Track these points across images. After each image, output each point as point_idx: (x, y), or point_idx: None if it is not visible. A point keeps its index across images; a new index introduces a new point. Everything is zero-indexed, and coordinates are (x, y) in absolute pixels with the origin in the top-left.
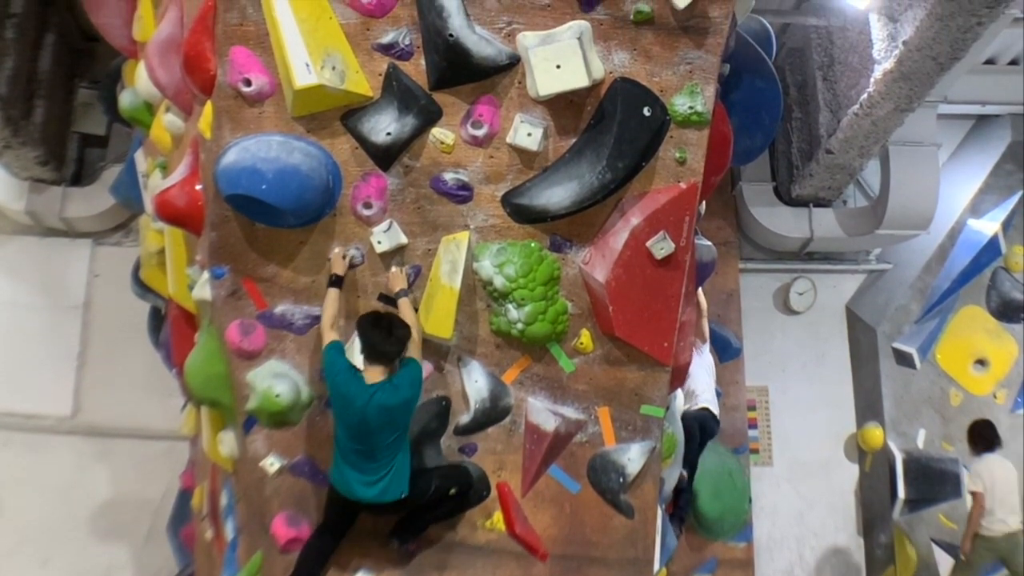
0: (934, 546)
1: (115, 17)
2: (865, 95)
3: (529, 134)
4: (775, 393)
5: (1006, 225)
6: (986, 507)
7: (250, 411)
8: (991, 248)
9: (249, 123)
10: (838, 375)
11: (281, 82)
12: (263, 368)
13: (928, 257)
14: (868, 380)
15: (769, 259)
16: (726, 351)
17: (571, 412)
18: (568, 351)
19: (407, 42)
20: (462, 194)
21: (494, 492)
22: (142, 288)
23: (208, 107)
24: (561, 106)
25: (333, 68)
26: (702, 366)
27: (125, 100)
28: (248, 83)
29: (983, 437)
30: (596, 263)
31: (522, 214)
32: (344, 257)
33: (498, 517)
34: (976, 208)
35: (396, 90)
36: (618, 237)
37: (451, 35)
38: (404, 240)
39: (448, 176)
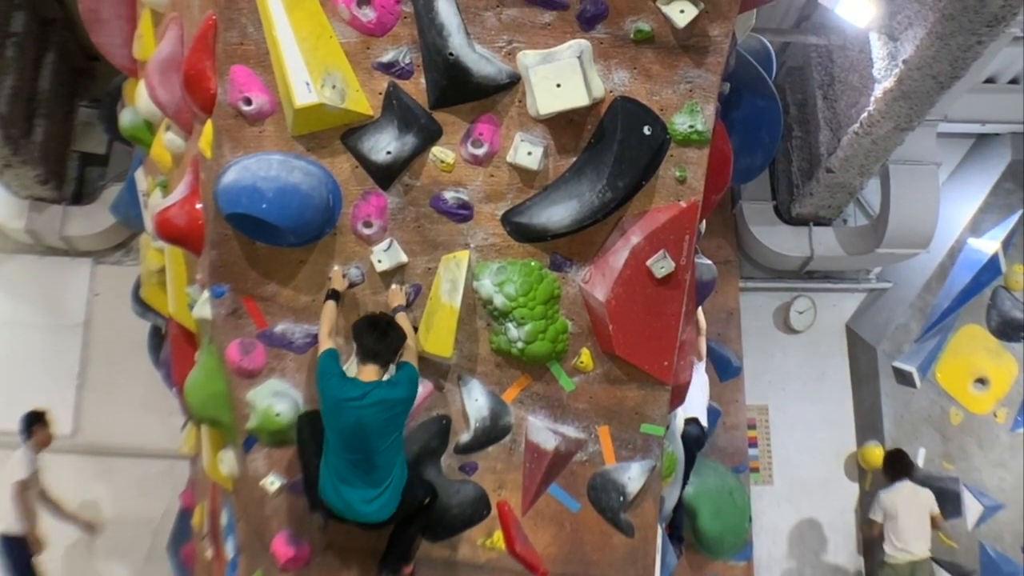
0: (934, 565)
1: (115, 36)
2: (865, 114)
3: (529, 153)
4: (775, 412)
5: (1006, 244)
6: (889, 535)
7: (250, 430)
8: (991, 267)
9: (249, 142)
10: (838, 394)
11: (281, 101)
12: (263, 387)
13: (928, 276)
14: (868, 399)
15: (769, 278)
16: (726, 370)
17: (571, 431)
18: (568, 370)
19: (407, 61)
20: (462, 213)
21: (494, 511)
22: (142, 307)
23: (208, 126)
24: (561, 125)
25: (333, 87)
26: (697, 384)
27: (125, 119)
28: (248, 102)
29: (895, 466)
30: (596, 282)
31: (522, 233)
32: (344, 276)
33: (498, 536)
34: (976, 227)
35: (396, 109)
36: (618, 256)
37: (451, 54)
38: (404, 259)
39: (448, 195)
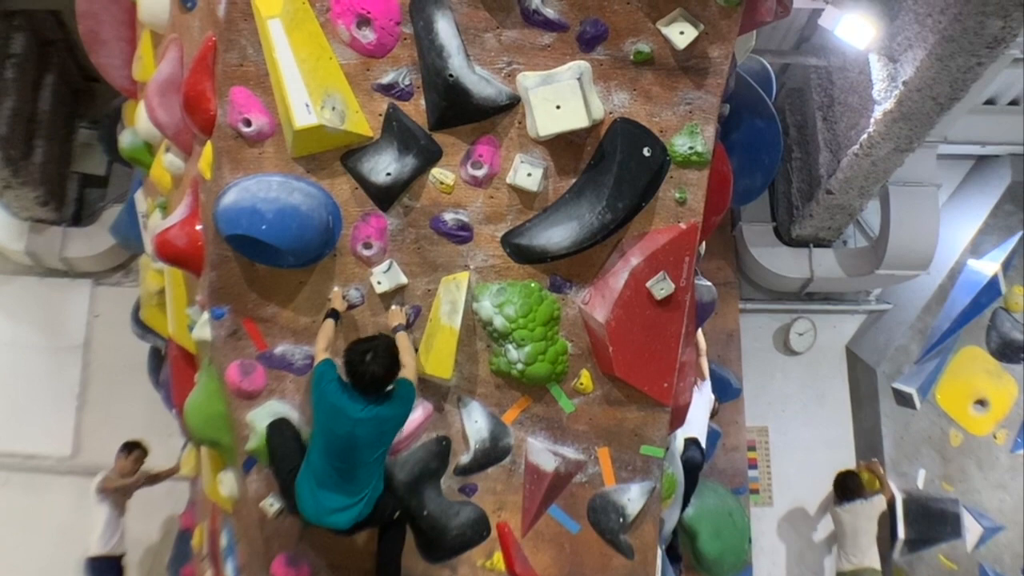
0: None
1: (115, 57)
2: (865, 135)
3: (529, 174)
4: (775, 433)
5: (1006, 265)
6: (844, 551)
7: (250, 451)
8: (991, 288)
9: (249, 163)
10: (838, 415)
11: (281, 122)
12: (263, 408)
13: (928, 297)
14: (868, 420)
15: (769, 299)
16: (726, 391)
17: (571, 452)
18: (568, 391)
19: (407, 82)
20: (462, 234)
21: (494, 532)
22: (142, 328)
23: (208, 147)
24: (561, 146)
25: (333, 108)
26: (699, 404)
27: (125, 140)
28: (248, 123)
29: (845, 487)
30: (596, 303)
31: (522, 254)
32: (343, 297)
33: (498, 557)
34: (976, 248)
35: (396, 130)
36: (618, 277)
37: (451, 75)
38: (404, 280)
39: (448, 216)
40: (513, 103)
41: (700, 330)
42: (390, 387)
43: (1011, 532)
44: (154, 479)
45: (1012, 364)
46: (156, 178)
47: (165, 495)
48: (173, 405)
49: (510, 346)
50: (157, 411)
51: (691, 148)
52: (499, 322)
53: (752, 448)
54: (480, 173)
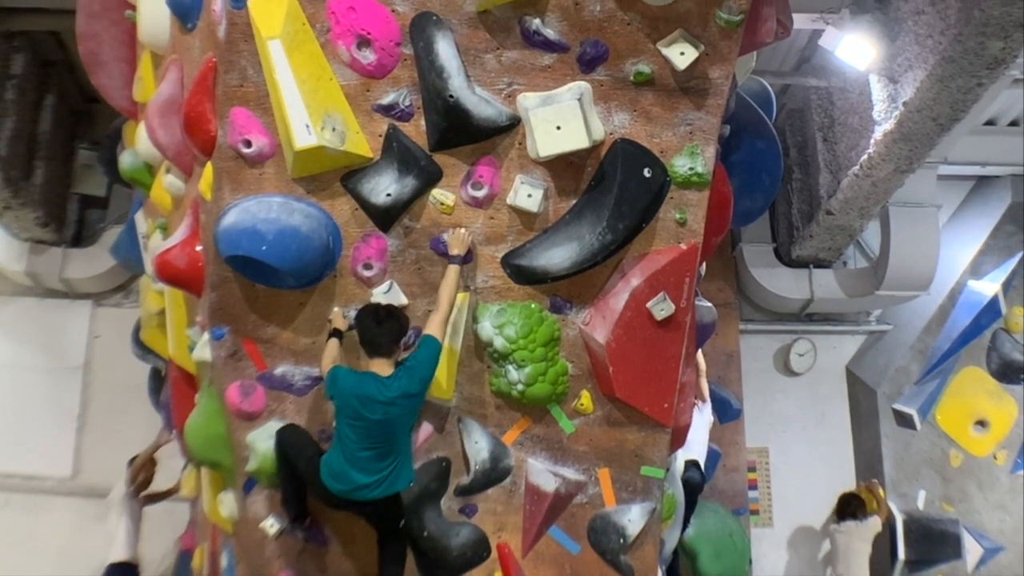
0: None
1: (115, 78)
2: (865, 156)
3: (529, 195)
4: (775, 454)
5: (1006, 286)
6: (832, 567)
7: (250, 472)
8: (991, 309)
9: (249, 184)
10: (838, 436)
11: (281, 143)
12: (263, 429)
13: (928, 318)
14: (868, 441)
15: (769, 320)
16: (726, 412)
17: (571, 473)
18: (568, 412)
19: (407, 103)
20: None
21: (494, 553)
22: (142, 349)
23: (208, 168)
24: (561, 167)
25: (333, 129)
26: (699, 425)
27: (125, 161)
28: (248, 144)
29: (843, 508)
30: (596, 324)
31: (522, 275)
32: (344, 317)
33: None
34: (976, 269)
35: (396, 151)
36: (618, 298)
37: (451, 96)
38: (404, 301)
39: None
40: (513, 124)
41: (700, 351)
42: (409, 342)
43: (1011, 553)
44: (154, 499)
45: (1012, 385)
46: (156, 199)
47: (166, 516)
48: (173, 426)
49: (510, 367)
50: (157, 432)
51: (691, 169)
52: (499, 343)
53: (752, 469)
54: (480, 194)
